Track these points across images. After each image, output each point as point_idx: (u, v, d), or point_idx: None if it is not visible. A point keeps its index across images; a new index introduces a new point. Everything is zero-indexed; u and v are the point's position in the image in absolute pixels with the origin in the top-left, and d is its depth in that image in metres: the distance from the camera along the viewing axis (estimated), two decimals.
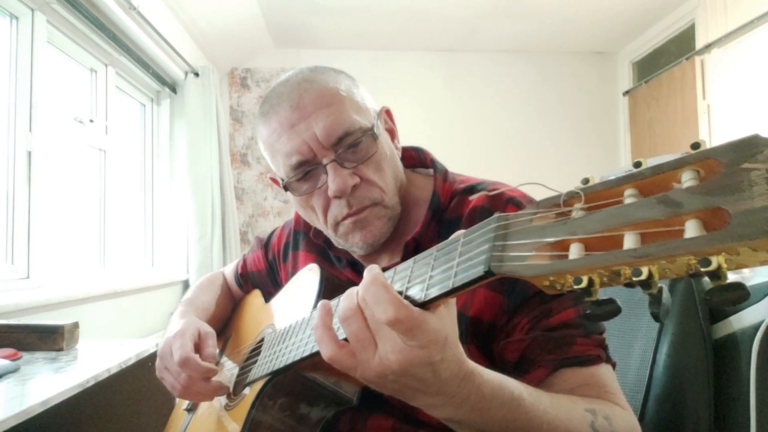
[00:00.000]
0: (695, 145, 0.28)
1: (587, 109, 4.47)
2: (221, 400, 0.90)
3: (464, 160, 3.28)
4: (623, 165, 4.23)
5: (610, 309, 0.32)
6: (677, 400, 0.85)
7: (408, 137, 0.95)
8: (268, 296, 1.04)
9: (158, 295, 2.94)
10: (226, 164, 3.58)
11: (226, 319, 1.16)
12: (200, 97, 3.35)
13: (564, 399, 0.63)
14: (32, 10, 2.01)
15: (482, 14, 3.72)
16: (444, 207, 0.84)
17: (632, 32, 4.12)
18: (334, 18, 3.74)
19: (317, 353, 0.64)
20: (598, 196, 0.33)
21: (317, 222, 0.84)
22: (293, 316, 0.80)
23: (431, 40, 4.20)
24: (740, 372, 0.82)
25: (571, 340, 0.70)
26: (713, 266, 0.26)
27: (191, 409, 1.02)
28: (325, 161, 0.77)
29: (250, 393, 0.79)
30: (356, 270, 0.89)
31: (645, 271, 0.28)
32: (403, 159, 0.90)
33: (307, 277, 0.85)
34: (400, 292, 0.51)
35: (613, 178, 0.32)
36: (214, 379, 0.84)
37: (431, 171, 0.91)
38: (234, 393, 0.87)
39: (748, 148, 0.27)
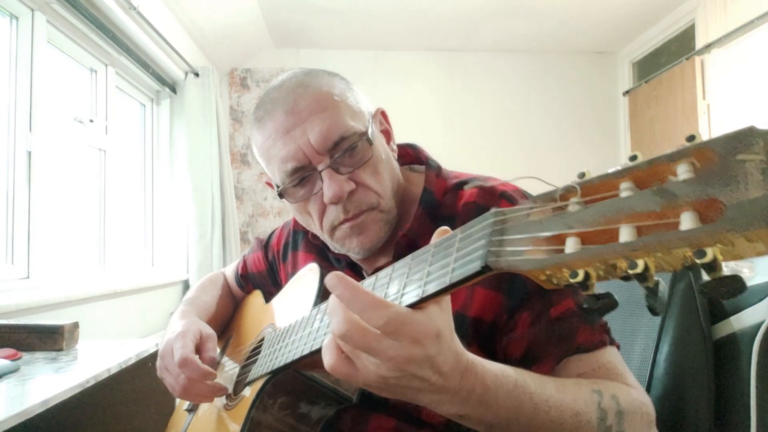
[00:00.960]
0: (690, 138, 0.28)
1: (587, 109, 4.47)
2: (222, 400, 0.90)
3: (464, 160, 3.28)
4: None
5: (608, 303, 0.32)
6: (677, 400, 0.85)
7: (408, 137, 0.95)
8: (268, 296, 1.05)
9: (158, 295, 2.94)
10: (226, 164, 3.59)
11: (227, 319, 1.17)
12: (200, 97, 3.35)
13: (569, 382, 0.63)
14: (32, 10, 2.01)
15: (482, 14, 3.72)
16: (438, 203, 0.84)
17: (632, 32, 4.12)
18: (334, 18, 3.75)
19: (316, 351, 0.64)
20: (595, 189, 0.33)
21: (314, 227, 0.84)
22: (293, 315, 0.80)
23: (431, 40, 4.20)
24: (740, 372, 0.82)
25: (575, 330, 0.70)
26: (708, 257, 0.26)
27: (192, 410, 1.02)
28: (320, 167, 0.76)
29: (250, 393, 0.79)
30: (356, 271, 0.88)
31: (641, 263, 0.28)
32: (399, 157, 0.90)
33: (307, 277, 0.85)
34: (397, 290, 0.51)
35: (608, 171, 0.32)
36: (215, 379, 0.84)
37: (423, 168, 0.90)
38: (234, 393, 0.88)
39: (743, 139, 0.27)
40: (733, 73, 3.16)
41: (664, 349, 0.88)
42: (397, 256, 0.80)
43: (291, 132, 0.76)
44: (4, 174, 1.89)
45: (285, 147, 0.77)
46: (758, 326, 0.80)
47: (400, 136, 0.91)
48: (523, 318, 0.72)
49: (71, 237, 2.40)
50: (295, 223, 1.03)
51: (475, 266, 0.41)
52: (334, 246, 0.84)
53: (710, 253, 0.26)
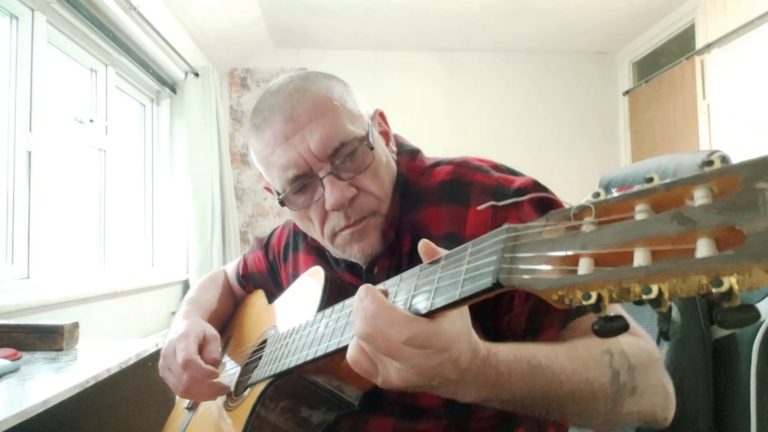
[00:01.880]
0: (708, 162, 0.28)
1: (587, 109, 4.47)
2: (222, 400, 0.91)
3: None
4: (623, 165, 4.23)
5: (619, 325, 0.32)
6: (677, 400, 0.85)
7: (408, 137, 0.95)
8: (270, 297, 1.05)
9: (158, 295, 2.94)
10: (226, 164, 3.58)
11: (227, 317, 1.17)
12: (200, 97, 3.34)
13: (579, 347, 0.63)
14: (32, 10, 2.00)
15: (482, 14, 3.72)
16: (413, 183, 0.84)
17: (632, 32, 4.12)
18: (334, 18, 3.74)
19: (320, 358, 0.64)
20: (609, 210, 0.32)
21: (314, 232, 0.84)
22: (296, 318, 0.80)
23: (431, 40, 4.20)
24: (740, 372, 0.82)
25: None
26: (725, 287, 0.26)
27: (192, 408, 1.02)
28: (321, 174, 0.76)
29: (251, 394, 0.79)
30: (355, 273, 0.88)
31: (655, 289, 0.28)
32: None
33: (311, 281, 0.85)
34: (405, 300, 0.51)
35: (624, 193, 0.32)
36: (216, 379, 0.85)
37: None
38: (235, 393, 0.88)
39: (764, 166, 0.26)
40: (733, 73, 3.16)
41: (664, 349, 0.88)
42: (389, 248, 0.80)
43: (290, 139, 0.75)
44: (4, 174, 1.88)
45: (285, 154, 0.76)
46: (758, 327, 0.80)
47: (401, 136, 0.91)
48: (518, 293, 0.72)
49: (71, 237, 2.40)
50: (295, 224, 1.03)
51: (486, 282, 0.40)
52: (335, 252, 0.84)
53: (727, 282, 0.26)
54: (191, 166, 3.26)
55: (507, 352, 0.56)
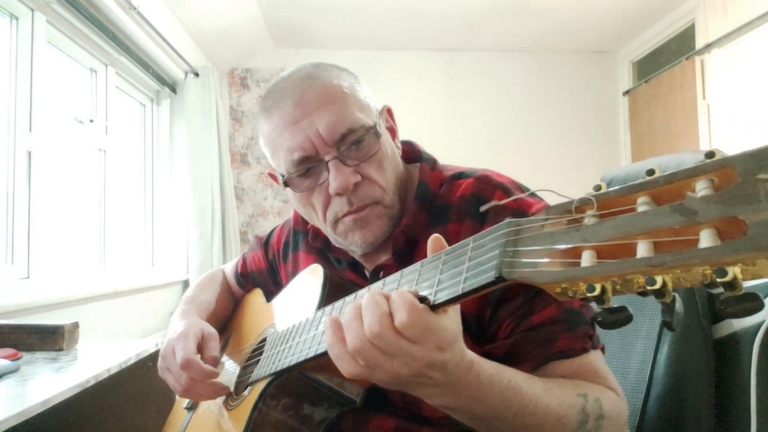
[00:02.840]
0: (710, 154, 0.28)
1: (587, 108, 4.47)
2: (222, 399, 0.90)
3: (464, 160, 3.27)
4: (623, 164, 4.23)
5: (623, 317, 0.32)
6: (678, 399, 0.85)
7: (408, 137, 0.95)
8: (269, 295, 1.04)
9: (158, 295, 2.94)
10: (226, 164, 3.58)
11: (226, 317, 1.17)
12: (200, 97, 3.34)
13: (555, 385, 0.64)
14: (32, 10, 2.00)
15: (482, 14, 3.72)
16: (433, 195, 0.84)
17: (632, 32, 4.12)
18: (334, 18, 3.74)
19: (321, 355, 0.64)
20: (611, 203, 0.32)
21: (316, 220, 0.84)
22: (296, 316, 0.80)
23: (431, 40, 4.20)
24: (741, 371, 0.81)
25: (555, 337, 0.70)
26: (729, 277, 0.26)
27: (191, 408, 1.02)
28: (327, 158, 0.76)
29: (251, 393, 0.79)
30: (356, 271, 0.88)
31: (659, 280, 0.28)
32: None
33: (311, 278, 0.85)
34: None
35: (625, 185, 0.32)
36: (216, 379, 0.85)
37: (418, 164, 0.91)
38: (235, 393, 0.88)
39: (764, 158, 0.26)
40: (733, 73, 3.16)
41: (665, 348, 0.88)
42: (396, 252, 0.81)
43: (299, 122, 0.76)
44: (4, 174, 1.88)
45: (292, 137, 0.77)
46: (759, 326, 0.80)
47: (400, 136, 0.91)
48: (504, 324, 0.73)
49: (71, 237, 2.40)
50: (296, 222, 1.03)
51: (489, 276, 0.40)
52: (336, 239, 0.84)
53: (731, 272, 0.26)
54: (191, 166, 3.26)
55: (489, 366, 0.57)
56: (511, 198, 0.62)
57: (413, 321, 0.48)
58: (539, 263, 0.35)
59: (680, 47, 3.80)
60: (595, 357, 0.71)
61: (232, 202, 3.62)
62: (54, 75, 2.20)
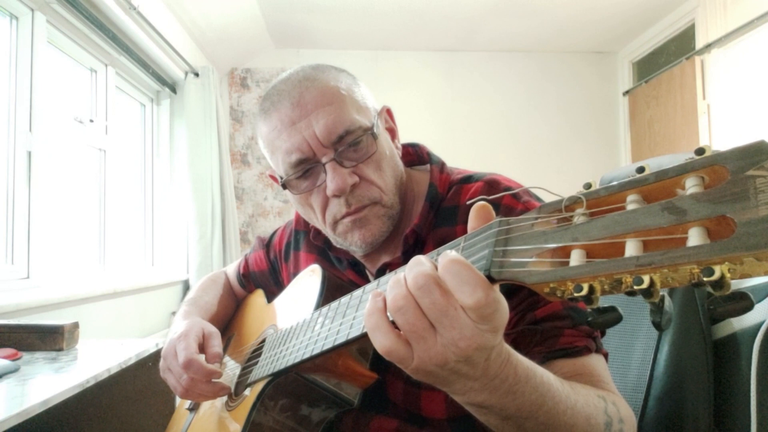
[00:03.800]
0: (700, 151, 0.28)
1: (587, 108, 4.47)
2: (223, 400, 0.91)
3: (464, 160, 3.27)
4: (623, 165, 4.22)
5: (612, 317, 0.32)
6: (678, 400, 0.85)
7: (407, 137, 0.95)
8: (270, 296, 1.05)
9: (158, 295, 2.94)
10: (226, 164, 3.58)
11: (228, 318, 1.17)
12: (200, 97, 3.35)
13: (578, 384, 0.62)
14: (32, 10, 2.00)
15: (482, 14, 3.72)
16: (442, 196, 0.84)
17: (632, 32, 4.12)
18: (334, 18, 3.74)
19: (318, 356, 0.64)
20: (601, 201, 0.32)
21: (316, 221, 0.84)
22: (295, 317, 0.80)
23: (431, 40, 4.20)
24: (741, 372, 0.81)
25: (558, 332, 0.69)
26: (716, 276, 0.26)
27: (193, 409, 1.02)
28: (324, 160, 0.76)
29: (251, 394, 0.79)
30: (357, 271, 0.89)
31: (647, 279, 0.28)
32: (402, 157, 0.90)
33: (309, 278, 0.86)
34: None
35: (615, 183, 0.32)
36: (217, 379, 0.85)
37: (428, 167, 0.91)
38: (235, 393, 0.88)
39: (754, 154, 0.26)
40: (733, 73, 3.16)
41: (664, 348, 0.88)
42: (406, 253, 0.81)
43: (296, 124, 0.76)
44: (4, 174, 1.88)
45: (290, 138, 0.77)
46: (758, 326, 0.80)
47: (400, 136, 0.91)
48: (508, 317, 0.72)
49: (71, 237, 2.40)
50: (297, 222, 1.04)
51: None
52: (336, 240, 0.84)
53: (718, 271, 0.26)
54: (191, 166, 3.27)
55: (524, 359, 0.53)
56: (498, 195, 0.60)
57: (487, 301, 0.41)
58: (528, 263, 0.35)
59: (680, 47, 3.80)
60: (598, 361, 0.70)
61: (232, 202, 3.62)
62: (54, 75, 2.21)
